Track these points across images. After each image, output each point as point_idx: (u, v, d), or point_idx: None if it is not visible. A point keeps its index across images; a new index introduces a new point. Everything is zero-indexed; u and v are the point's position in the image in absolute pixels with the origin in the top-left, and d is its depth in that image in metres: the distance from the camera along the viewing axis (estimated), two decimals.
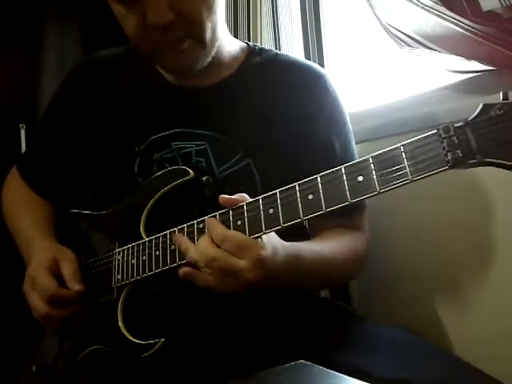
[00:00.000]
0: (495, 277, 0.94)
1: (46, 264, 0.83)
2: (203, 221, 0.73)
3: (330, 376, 0.54)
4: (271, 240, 0.69)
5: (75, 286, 0.81)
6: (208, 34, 0.77)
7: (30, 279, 0.83)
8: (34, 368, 0.88)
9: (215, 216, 0.71)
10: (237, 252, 0.66)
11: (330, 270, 0.82)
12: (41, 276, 0.82)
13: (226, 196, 0.71)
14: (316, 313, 0.87)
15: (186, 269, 0.70)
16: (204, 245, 0.68)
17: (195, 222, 0.74)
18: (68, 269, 0.83)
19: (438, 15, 0.91)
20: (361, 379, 0.53)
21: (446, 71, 1.03)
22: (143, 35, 0.76)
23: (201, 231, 0.72)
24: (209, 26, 0.76)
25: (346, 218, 0.86)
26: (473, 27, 0.85)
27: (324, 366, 0.55)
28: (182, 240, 0.73)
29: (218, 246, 0.67)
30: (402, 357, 0.71)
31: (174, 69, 0.84)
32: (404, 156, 0.57)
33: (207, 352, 0.80)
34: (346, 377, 0.53)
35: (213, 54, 0.82)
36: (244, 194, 0.71)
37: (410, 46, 1.00)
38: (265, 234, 0.67)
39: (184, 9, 0.73)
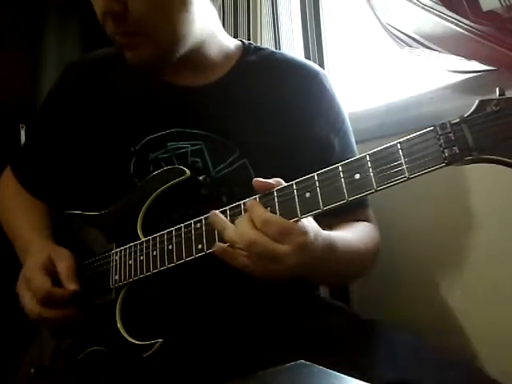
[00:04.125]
0: (496, 277, 0.94)
1: (41, 263, 0.82)
2: (200, 220, 0.72)
3: (330, 376, 0.54)
4: (311, 224, 0.66)
5: (70, 286, 0.80)
6: (160, 32, 0.77)
7: (24, 279, 0.82)
8: (32, 370, 0.87)
9: (255, 198, 0.67)
10: (279, 237, 0.63)
11: (357, 258, 0.80)
12: (35, 275, 0.81)
13: (261, 180, 0.67)
14: (316, 313, 0.87)
15: (223, 245, 0.66)
16: (244, 227, 0.64)
17: (192, 221, 0.74)
18: (63, 267, 0.82)
19: (438, 15, 0.91)
20: (361, 379, 0.53)
21: (446, 71, 1.03)
22: (103, 24, 0.78)
23: (199, 231, 0.72)
24: (159, 25, 0.76)
25: (352, 213, 0.85)
26: (473, 27, 0.85)
27: (324, 367, 0.55)
28: (219, 218, 0.69)
29: (257, 229, 0.63)
30: (403, 358, 0.70)
31: (131, 63, 0.82)
32: (401, 153, 0.57)
33: (207, 352, 0.79)
34: (346, 377, 0.53)
35: (180, 52, 0.81)
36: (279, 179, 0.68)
37: (410, 45, 1.00)
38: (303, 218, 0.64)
39: (130, 5, 0.74)
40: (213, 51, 0.87)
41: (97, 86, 0.91)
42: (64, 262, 0.83)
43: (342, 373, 0.54)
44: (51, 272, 0.82)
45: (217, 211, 0.70)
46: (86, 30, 1.93)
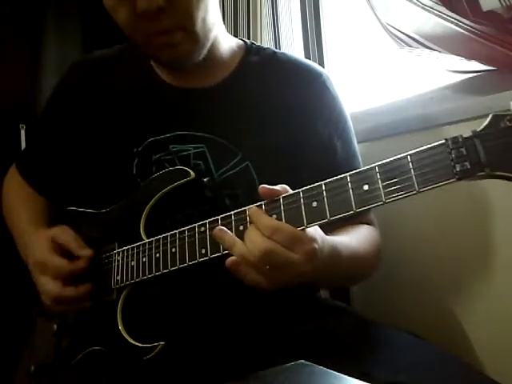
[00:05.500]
0: (497, 278, 0.94)
1: (48, 246, 0.83)
2: (204, 224, 0.72)
3: (330, 376, 0.54)
4: (317, 231, 0.65)
5: (85, 252, 0.81)
6: (199, 24, 0.76)
7: (38, 265, 0.83)
8: (32, 368, 0.87)
9: (261, 206, 0.65)
10: (290, 244, 0.61)
11: (361, 262, 0.80)
12: (49, 258, 0.81)
13: (267, 186, 0.65)
14: (316, 313, 0.87)
15: (235, 259, 0.64)
16: (254, 237, 0.62)
17: (196, 225, 0.73)
18: (68, 239, 0.83)
19: (438, 15, 0.91)
20: (361, 380, 0.53)
21: (445, 71, 1.03)
22: (134, 25, 0.75)
23: (203, 235, 0.71)
24: (199, 16, 0.75)
25: (355, 217, 0.83)
26: (473, 27, 0.86)
27: (324, 367, 0.55)
28: (226, 234, 0.66)
29: (267, 237, 0.61)
30: (403, 359, 0.70)
31: (168, 63, 0.82)
32: (411, 166, 0.56)
33: (207, 353, 0.80)
34: (345, 377, 0.53)
35: (208, 46, 0.81)
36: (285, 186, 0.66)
37: (410, 45, 1.00)
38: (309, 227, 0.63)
39: None
40: (218, 51, 0.86)
41: (100, 86, 0.91)
42: (65, 235, 0.84)
43: (342, 373, 0.54)
44: (61, 251, 0.82)
45: (223, 227, 0.67)
46: (86, 30, 1.94)
